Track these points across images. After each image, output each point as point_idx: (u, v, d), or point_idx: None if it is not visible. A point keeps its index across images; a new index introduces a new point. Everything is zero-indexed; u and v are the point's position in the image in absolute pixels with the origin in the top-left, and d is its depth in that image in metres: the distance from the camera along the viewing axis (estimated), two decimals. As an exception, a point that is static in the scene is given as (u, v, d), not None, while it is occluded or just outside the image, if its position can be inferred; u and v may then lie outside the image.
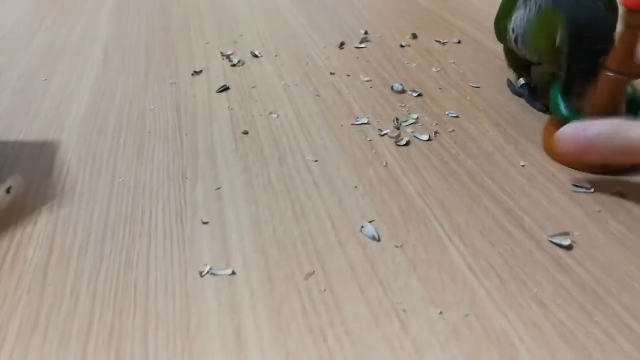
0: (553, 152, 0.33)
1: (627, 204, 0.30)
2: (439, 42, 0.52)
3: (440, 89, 0.43)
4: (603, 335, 0.22)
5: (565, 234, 0.27)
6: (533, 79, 0.41)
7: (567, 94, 0.33)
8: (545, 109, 0.39)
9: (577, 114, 0.32)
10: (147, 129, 0.38)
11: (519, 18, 0.37)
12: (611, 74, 0.30)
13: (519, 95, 0.41)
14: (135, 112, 0.40)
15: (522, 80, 0.41)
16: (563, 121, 0.32)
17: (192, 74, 0.46)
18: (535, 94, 0.41)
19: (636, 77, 0.30)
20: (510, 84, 0.43)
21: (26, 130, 0.38)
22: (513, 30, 0.38)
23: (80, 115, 0.40)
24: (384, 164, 0.33)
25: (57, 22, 0.60)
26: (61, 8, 0.65)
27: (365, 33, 0.54)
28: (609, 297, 0.24)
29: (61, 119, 0.40)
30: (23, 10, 0.65)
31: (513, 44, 0.38)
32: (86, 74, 0.47)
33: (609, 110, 0.31)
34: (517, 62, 0.42)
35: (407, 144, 0.35)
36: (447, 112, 0.39)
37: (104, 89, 0.44)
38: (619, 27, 0.30)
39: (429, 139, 0.36)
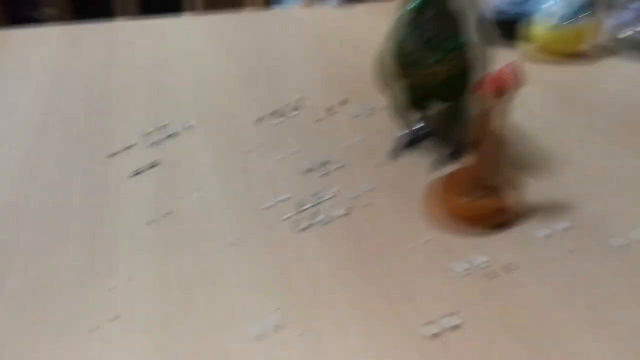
0: (454, 213, 0.36)
1: (515, 278, 0.32)
2: (366, 108, 0.54)
3: (362, 159, 0.45)
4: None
5: (452, 314, 0.29)
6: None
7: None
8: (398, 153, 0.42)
9: None
10: (60, 216, 0.38)
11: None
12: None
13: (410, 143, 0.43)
14: (56, 190, 0.41)
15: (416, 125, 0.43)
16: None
17: (124, 149, 0.47)
18: (424, 137, 0.44)
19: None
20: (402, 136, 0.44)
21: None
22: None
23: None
24: (298, 245, 0.35)
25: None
26: (-1, 77, 0.66)
27: (298, 100, 0.57)
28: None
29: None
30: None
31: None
32: (7, 153, 0.47)
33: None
34: (414, 99, 0.44)
35: (323, 221, 0.37)
36: (362, 186, 0.41)
37: (25, 169, 0.44)
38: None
39: (344, 214, 0.38)
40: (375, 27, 0.86)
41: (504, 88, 0.31)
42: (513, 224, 0.36)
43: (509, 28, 0.73)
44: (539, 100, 0.57)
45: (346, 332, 0.28)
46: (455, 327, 0.28)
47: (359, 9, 0.99)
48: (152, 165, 0.44)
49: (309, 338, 0.28)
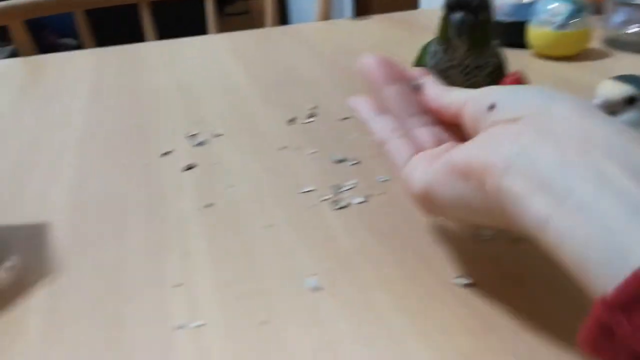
0: None
1: (521, 247, 0.37)
2: (376, 113, 0.60)
3: (373, 157, 0.50)
4: (488, 353, 0.29)
5: (467, 275, 0.34)
6: None
7: None
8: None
9: None
10: (124, 208, 0.44)
11: None
12: None
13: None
14: (111, 193, 0.46)
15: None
16: None
17: (161, 156, 0.53)
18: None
19: None
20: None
21: (19, 214, 0.44)
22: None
23: (64, 199, 0.46)
24: (326, 226, 0.40)
25: (36, 111, 0.67)
26: (39, 97, 0.72)
27: (314, 108, 0.62)
28: (501, 324, 0.31)
29: (48, 203, 0.46)
30: (7, 100, 0.71)
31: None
32: (66, 161, 0.53)
33: None
34: None
35: (345, 207, 0.43)
36: (377, 177, 0.47)
37: (82, 173, 0.50)
38: None
39: (363, 202, 0.43)
40: (387, 37, 0.92)
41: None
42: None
43: (512, 32, 0.79)
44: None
45: (374, 292, 0.33)
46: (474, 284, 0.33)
47: (373, 20, 1.06)
48: (188, 168, 0.50)
49: (342, 297, 0.33)
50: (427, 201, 0.31)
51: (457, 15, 0.42)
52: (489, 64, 0.45)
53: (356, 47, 0.88)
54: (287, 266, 0.36)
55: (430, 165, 0.30)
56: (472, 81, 0.45)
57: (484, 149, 0.26)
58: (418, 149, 0.34)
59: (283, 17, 3.36)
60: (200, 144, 0.55)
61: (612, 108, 0.35)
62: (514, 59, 0.76)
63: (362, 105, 0.37)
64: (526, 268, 0.35)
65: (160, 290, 0.35)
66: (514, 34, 0.78)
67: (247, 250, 0.38)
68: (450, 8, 0.43)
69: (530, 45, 0.76)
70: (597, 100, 0.36)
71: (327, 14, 1.14)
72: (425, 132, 0.34)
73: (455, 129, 0.34)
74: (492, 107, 0.28)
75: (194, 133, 0.57)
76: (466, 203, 0.28)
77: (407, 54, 0.57)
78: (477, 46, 0.44)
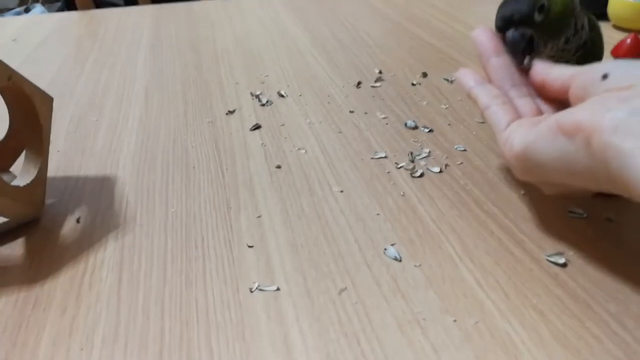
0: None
1: (614, 228, 0.34)
2: (447, 80, 0.57)
3: (449, 124, 0.48)
4: (592, 339, 0.27)
5: (560, 253, 0.32)
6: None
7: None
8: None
9: None
10: (191, 165, 0.43)
11: None
12: None
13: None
14: (178, 149, 0.45)
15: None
16: None
17: (227, 114, 0.51)
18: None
19: None
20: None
21: (85, 166, 0.44)
22: None
23: (131, 153, 0.45)
24: (402, 194, 0.38)
25: (98, 64, 0.66)
26: (99, 51, 0.71)
27: (380, 72, 0.60)
28: (598, 307, 0.28)
29: (114, 156, 0.45)
30: (65, 54, 0.71)
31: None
32: (131, 114, 0.52)
33: None
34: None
35: (421, 175, 0.40)
36: (455, 147, 0.44)
37: (148, 127, 0.49)
38: None
39: (441, 171, 0.41)
40: (451, 2, 0.88)
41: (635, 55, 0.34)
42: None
43: (593, 2, 0.73)
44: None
45: (459, 265, 0.31)
46: (569, 262, 0.31)
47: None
48: (255, 128, 0.48)
49: (425, 269, 0.31)
50: (526, 161, 0.30)
51: (511, 36, 0.35)
52: (577, 36, 0.40)
53: (417, 9, 0.84)
54: (363, 233, 0.34)
55: (531, 128, 0.30)
56: (560, 54, 0.41)
57: (593, 110, 0.26)
58: (519, 116, 0.32)
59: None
60: (266, 104, 0.53)
61: None
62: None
63: (467, 75, 0.36)
64: (622, 248, 0.32)
65: (232, 250, 0.33)
66: (595, 4, 0.73)
67: (321, 215, 0.36)
68: (500, 30, 0.36)
69: (611, 17, 0.71)
70: None
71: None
72: (526, 102, 0.34)
73: (556, 105, 0.33)
74: (605, 77, 0.28)
75: (258, 93, 0.55)
76: (568, 162, 0.27)
77: (474, 20, 0.53)
78: (557, 36, 0.37)
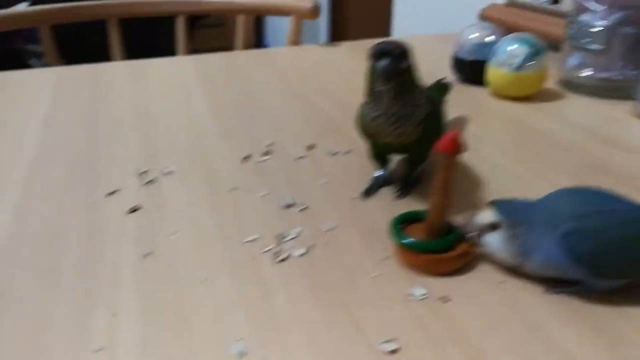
0: (407, 261, 0.41)
1: (449, 308, 0.37)
2: (331, 152, 0.60)
3: (324, 202, 0.50)
4: None
5: (392, 340, 0.34)
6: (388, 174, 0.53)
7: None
8: (367, 195, 0.51)
9: (413, 241, 0.41)
10: (60, 251, 0.43)
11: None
12: (440, 199, 0.40)
13: (370, 188, 0.51)
14: (49, 236, 0.46)
15: (378, 172, 0.52)
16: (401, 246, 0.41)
17: (107, 195, 0.52)
18: (383, 185, 0.52)
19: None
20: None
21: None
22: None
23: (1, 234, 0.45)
24: (262, 281, 0.40)
25: (-12, 139, 0.65)
26: (-8, 122, 0.70)
27: (270, 145, 0.62)
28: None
29: (-17, 246, 0.44)
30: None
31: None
32: (5, 199, 0.52)
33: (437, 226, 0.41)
34: (377, 153, 0.52)
35: (285, 259, 0.42)
36: (324, 226, 0.47)
37: (23, 210, 0.49)
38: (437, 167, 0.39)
39: (304, 254, 0.43)
40: (354, 66, 0.92)
41: (454, 149, 0.38)
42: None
43: (472, 70, 0.80)
44: (498, 136, 0.63)
45: (300, 357, 0.33)
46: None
47: (343, 48, 1.06)
48: (133, 210, 0.49)
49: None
50: None
51: (382, 62, 0.44)
52: (416, 113, 0.46)
53: (322, 76, 0.88)
54: (216, 327, 0.36)
55: None
56: (399, 130, 0.46)
57: None
58: None
59: (258, 31, 3.36)
60: (150, 182, 0.54)
61: (481, 229, 0.40)
62: (472, 97, 0.78)
63: None
64: (453, 328, 0.35)
65: (80, 355, 0.34)
66: (475, 72, 0.79)
67: (180, 308, 0.37)
68: (375, 57, 0.45)
69: (489, 85, 0.77)
70: (473, 222, 0.40)
71: (297, 39, 1.15)
72: None
73: None
74: None
75: (144, 170, 0.56)
76: None
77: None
78: (401, 94, 0.45)
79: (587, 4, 0.74)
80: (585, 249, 0.37)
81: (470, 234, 0.41)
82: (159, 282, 0.40)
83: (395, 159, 0.55)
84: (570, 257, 0.37)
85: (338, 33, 2.66)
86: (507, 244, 0.39)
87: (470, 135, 0.65)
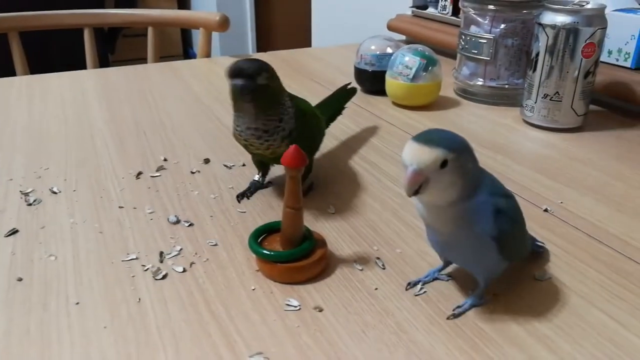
0: (263, 271, 0.43)
1: (321, 318, 0.38)
2: (226, 166, 0.60)
3: (211, 216, 0.51)
4: None
5: (260, 353, 0.35)
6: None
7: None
8: (242, 198, 0.54)
9: (268, 251, 0.42)
10: None
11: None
12: (290, 210, 0.41)
13: (244, 192, 0.54)
14: None
15: (256, 177, 0.56)
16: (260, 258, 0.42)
17: (-15, 218, 0.50)
18: (257, 189, 0.55)
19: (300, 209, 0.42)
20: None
21: None
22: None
23: None
24: (138, 300, 0.40)
25: None
26: None
27: (165, 160, 0.62)
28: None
29: None
30: None
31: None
32: None
33: (293, 235, 0.42)
34: (257, 161, 0.55)
35: (164, 277, 0.42)
36: (208, 241, 0.47)
37: None
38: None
39: (184, 271, 0.43)
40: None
41: (297, 163, 0.39)
42: (324, 273, 0.43)
43: (374, 81, 0.83)
44: (392, 146, 0.65)
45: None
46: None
47: (265, 57, 1.06)
48: (11, 233, 0.48)
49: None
50: None
51: (236, 82, 0.46)
52: (280, 128, 0.48)
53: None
54: (83, 349, 0.35)
55: None
56: (267, 144, 0.49)
57: None
58: None
59: (185, 40, 3.31)
60: (33, 203, 0.52)
61: (425, 176, 0.33)
62: (373, 106, 0.80)
63: None
64: (324, 337, 0.36)
65: None
66: (377, 82, 0.82)
67: (45, 334, 0.36)
68: (230, 76, 0.46)
69: (388, 95, 0.80)
70: (409, 170, 0.33)
71: (208, 51, 1.14)
72: None
73: None
74: None
75: (28, 191, 0.55)
76: None
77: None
78: (263, 110, 0.47)
79: (476, 17, 0.78)
80: (506, 230, 0.36)
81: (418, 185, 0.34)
82: (27, 308, 0.39)
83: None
84: (494, 234, 0.36)
85: (264, 43, 2.67)
86: (458, 174, 0.34)
87: (366, 144, 0.67)
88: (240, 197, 0.54)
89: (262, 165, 0.56)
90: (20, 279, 0.42)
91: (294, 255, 0.42)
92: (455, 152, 0.34)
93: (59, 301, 0.39)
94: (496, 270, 0.39)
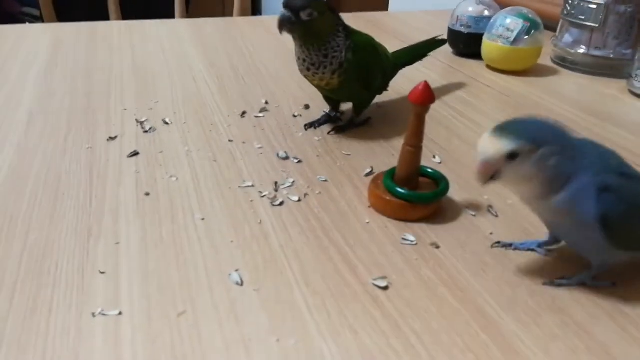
0: (376, 207, 0.43)
1: (439, 254, 0.39)
2: (326, 112, 0.61)
3: (317, 156, 0.52)
4: (392, 353, 0.30)
5: (384, 277, 0.36)
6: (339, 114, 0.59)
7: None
8: (309, 127, 0.57)
9: (408, 191, 0.42)
10: (61, 192, 0.44)
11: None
12: (409, 148, 0.41)
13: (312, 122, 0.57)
14: (52, 175, 0.46)
15: (327, 110, 0.58)
16: (397, 195, 0.42)
17: (108, 140, 0.53)
18: (327, 121, 0.57)
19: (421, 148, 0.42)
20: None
21: (-50, 191, 0.44)
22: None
23: (3, 175, 0.46)
24: (259, 221, 0.41)
25: (-15, 86, 0.65)
26: (-10, 71, 0.70)
27: (266, 103, 0.63)
28: (405, 326, 0.32)
29: (-17, 181, 0.45)
30: (-48, 72, 0.70)
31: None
32: (9, 139, 0.52)
33: (411, 173, 0.43)
34: (324, 95, 0.58)
35: (281, 204, 0.44)
36: (318, 177, 0.48)
37: (25, 153, 0.50)
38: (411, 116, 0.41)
39: (299, 200, 0.44)
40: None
41: (424, 99, 0.39)
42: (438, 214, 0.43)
43: (469, 43, 0.81)
44: (488, 104, 0.64)
45: (294, 290, 0.35)
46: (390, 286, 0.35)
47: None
48: (133, 155, 0.50)
49: (262, 292, 0.34)
50: None
51: (281, 14, 0.48)
52: (328, 62, 0.50)
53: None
54: (214, 259, 0.37)
55: None
56: (317, 77, 0.52)
57: None
58: None
59: (254, 2, 3.33)
60: (149, 130, 0.55)
61: (495, 167, 0.32)
62: (467, 69, 0.79)
63: None
64: (438, 273, 0.37)
65: (84, 277, 0.35)
66: (471, 45, 0.80)
67: (178, 242, 0.39)
68: (282, 6, 0.49)
69: (484, 58, 0.79)
70: (479, 160, 0.33)
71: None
72: None
73: None
74: None
75: (143, 120, 0.57)
76: None
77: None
78: (307, 44, 0.50)
79: (584, -18, 0.75)
80: (614, 211, 0.32)
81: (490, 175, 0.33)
82: (157, 219, 0.41)
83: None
84: (598, 216, 0.32)
85: (335, 3, 2.64)
86: (536, 168, 0.32)
87: (461, 101, 0.66)
88: (308, 126, 0.57)
89: (330, 101, 0.59)
90: (147, 194, 0.44)
91: (437, 196, 0.42)
92: (532, 144, 0.31)
93: (186, 216, 0.42)
94: (608, 259, 0.35)
